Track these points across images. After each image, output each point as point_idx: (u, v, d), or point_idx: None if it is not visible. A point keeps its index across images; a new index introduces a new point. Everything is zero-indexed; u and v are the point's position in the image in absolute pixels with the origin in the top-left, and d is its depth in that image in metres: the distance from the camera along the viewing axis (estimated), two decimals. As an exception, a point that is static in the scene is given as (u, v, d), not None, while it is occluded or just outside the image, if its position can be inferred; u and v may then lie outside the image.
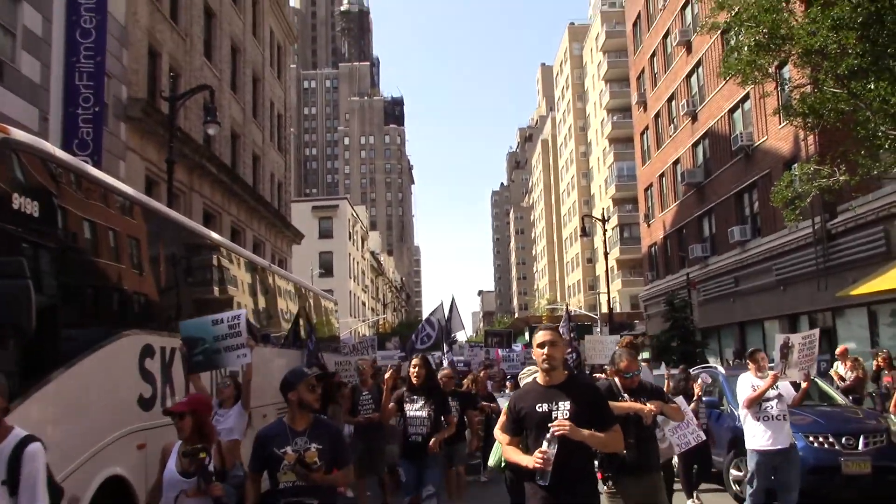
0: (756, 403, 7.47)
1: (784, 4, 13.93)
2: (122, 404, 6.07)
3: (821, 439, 8.90)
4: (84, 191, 5.80)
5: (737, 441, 9.44)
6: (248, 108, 30.31)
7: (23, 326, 4.25)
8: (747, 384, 7.66)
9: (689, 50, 33.79)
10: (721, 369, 12.59)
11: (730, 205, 29.18)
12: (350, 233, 68.95)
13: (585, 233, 42.44)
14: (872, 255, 19.33)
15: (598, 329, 41.26)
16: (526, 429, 4.17)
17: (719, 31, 19.96)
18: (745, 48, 14.53)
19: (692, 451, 7.83)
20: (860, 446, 8.88)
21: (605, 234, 39.44)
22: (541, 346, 4.10)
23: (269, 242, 31.53)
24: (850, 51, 12.55)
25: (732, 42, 16.12)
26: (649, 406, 5.23)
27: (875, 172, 14.09)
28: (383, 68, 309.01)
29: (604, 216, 42.94)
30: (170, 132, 16.32)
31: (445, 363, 13.29)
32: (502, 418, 4.93)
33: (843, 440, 8.93)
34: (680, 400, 6.88)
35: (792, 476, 7.45)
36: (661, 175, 38.63)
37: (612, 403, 4.76)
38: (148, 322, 6.80)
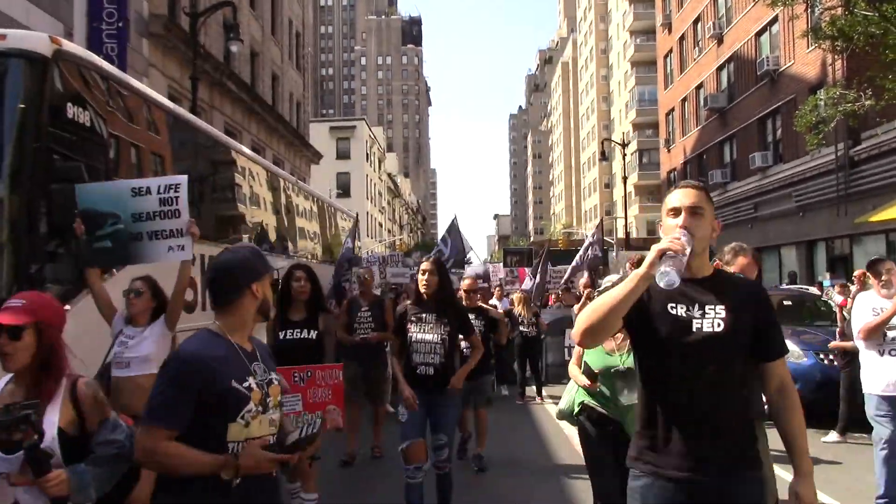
0: (879, 332, 5.59)
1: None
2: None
3: (831, 356, 9.22)
4: (130, 101, 6.02)
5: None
6: (267, 25, 29.99)
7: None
8: (867, 306, 5.72)
9: (717, -31, 32.83)
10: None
11: (752, 130, 28.91)
12: (367, 154, 68.80)
13: (604, 157, 42.14)
14: (895, 183, 19.26)
15: (615, 254, 41.49)
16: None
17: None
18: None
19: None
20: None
21: (624, 159, 39.20)
22: (675, 213, 2.54)
23: (289, 162, 31.68)
24: (883, -29, 12.30)
25: (763, -39, 15.75)
26: None
27: (902, 97, 13.98)
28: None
29: (623, 141, 42.54)
30: (193, 49, 16.33)
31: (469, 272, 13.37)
32: (578, 351, 4.50)
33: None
34: None
35: None
36: (684, 100, 38.11)
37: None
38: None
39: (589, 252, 13.84)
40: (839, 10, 14.28)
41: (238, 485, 2.34)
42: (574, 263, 14.47)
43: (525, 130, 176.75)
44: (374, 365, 7.78)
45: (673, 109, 40.20)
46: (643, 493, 2.47)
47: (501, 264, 22.95)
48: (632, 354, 2.91)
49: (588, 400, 4.38)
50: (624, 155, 39.25)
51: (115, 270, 5.20)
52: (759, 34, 28.51)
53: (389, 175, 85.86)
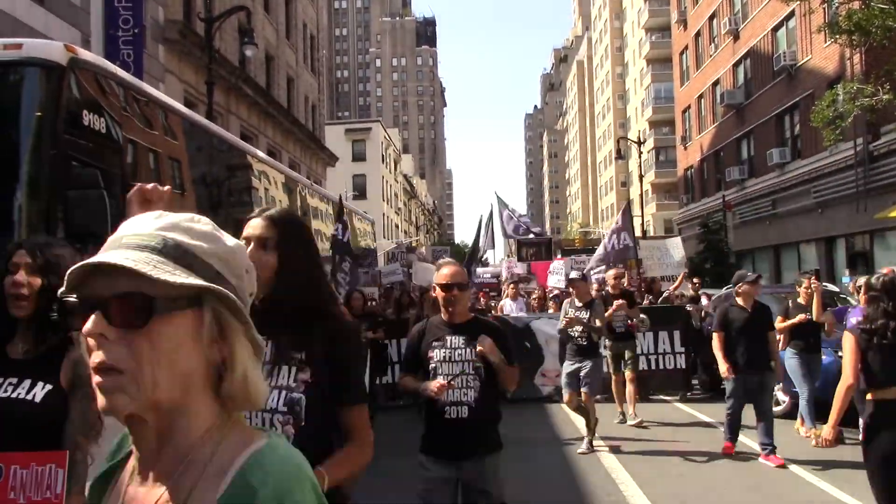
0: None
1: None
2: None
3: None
4: (145, 108, 6.08)
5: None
6: (282, 29, 30.16)
7: (99, 233, 4.60)
8: None
9: (733, -36, 32.60)
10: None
11: (770, 126, 28.68)
12: (383, 155, 68.95)
13: (621, 155, 42.02)
14: (914, 178, 19.06)
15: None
16: None
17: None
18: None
19: None
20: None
21: (640, 157, 39.03)
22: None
23: (305, 164, 31.84)
24: (901, -36, 12.17)
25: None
26: None
27: (921, 92, 13.83)
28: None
29: (639, 139, 42.37)
30: (208, 54, 16.45)
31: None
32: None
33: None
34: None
35: None
36: (700, 96, 37.87)
37: None
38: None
39: (615, 240, 12.55)
40: (856, 4, 14.14)
41: None
42: (598, 253, 13.04)
43: (541, 130, 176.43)
44: None
45: (689, 106, 39.95)
46: None
47: (515, 258, 19.95)
48: None
49: None
50: (640, 153, 39.09)
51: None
52: (775, 29, 28.28)
53: (405, 176, 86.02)
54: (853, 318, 6.16)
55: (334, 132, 56.95)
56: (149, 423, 0.96)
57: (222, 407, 1.02)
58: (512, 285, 13.43)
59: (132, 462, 1.03)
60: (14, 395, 2.36)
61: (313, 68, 36.53)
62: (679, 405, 11.12)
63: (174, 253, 0.96)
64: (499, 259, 17.97)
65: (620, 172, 79.19)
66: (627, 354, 9.86)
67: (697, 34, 38.34)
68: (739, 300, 7.64)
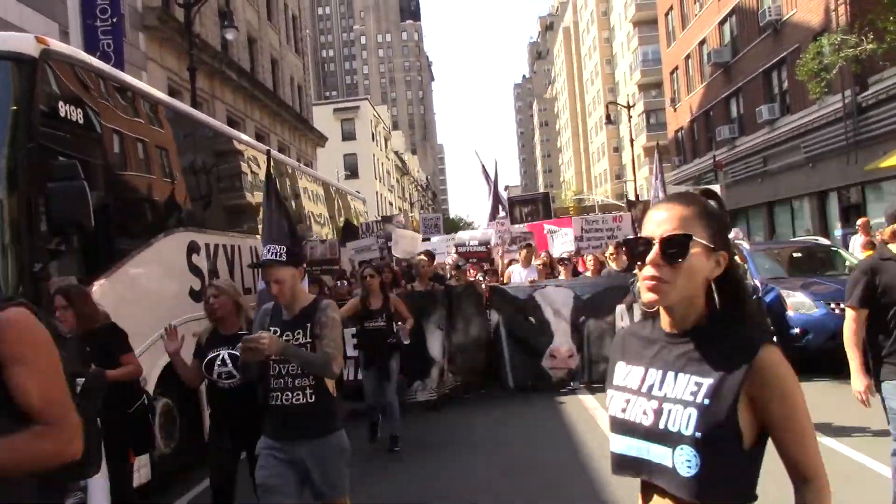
0: None
1: None
2: (177, 296, 6.53)
3: (843, 306, 9.17)
4: (122, 96, 6.04)
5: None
6: (263, 10, 29.86)
7: (83, 224, 4.61)
8: None
9: (714, -80, 32.24)
10: (746, 245, 12.80)
11: (758, 83, 28.56)
12: (373, 133, 68.64)
13: (611, 121, 41.77)
14: (903, 127, 19.02)
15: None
16: None
17: None
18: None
19: None
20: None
21: (630, 122, 38.89)
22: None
23: (294, 146, 31.68)
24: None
25: None
26: None
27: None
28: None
29: (629, 103, 42.22)
30: (188, 39, 16.31)
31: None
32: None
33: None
34: None
35: None
36: (687, 57, 37.65)
37: None
38: (192, 221, 7.17)
39: (655, 184, 11.49)
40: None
41: None
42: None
43: (530, 99, 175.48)
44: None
45: (677, 68, 39.74)
46: None
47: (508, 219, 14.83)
48: None
49: None
50: (630, 117, 38.96)
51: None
52: (759, -16, 28.06)
53: (396, 153, 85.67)
54: None
55: (322, 112, 56.61)
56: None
57: None
58: (525, 249, 10.94)
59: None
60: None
61: (297, 49, 36.21)
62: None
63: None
64: (485, 223, 13.41)
65: (612, 138, 78.95)
66: None
67: (682, -6, 38.04)
68: None
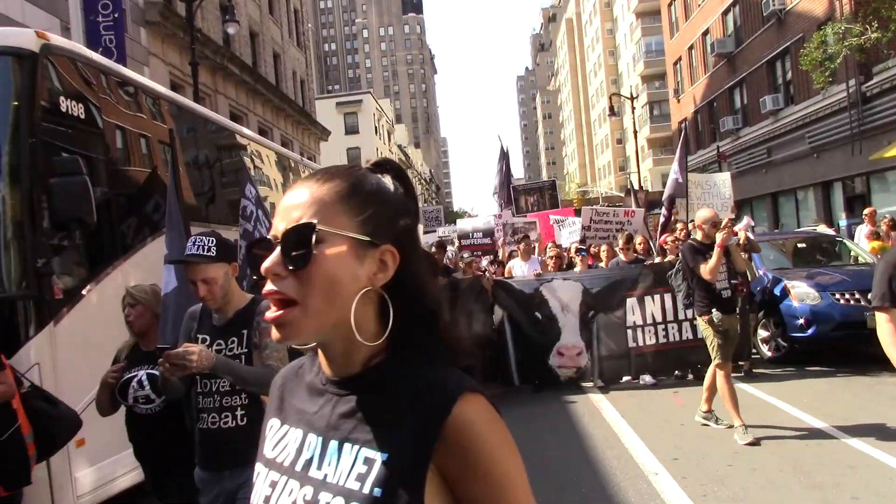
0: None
1: None
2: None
3: (847, 296, 9.16)
4: (123, 91, 6.04)
5: (762, 303, 9.86)
6: (264, 4, 29.81)
7: (85, 219, 4.61)
8: None
9: None
10: (751, 235, 12.76)
11: (762, 74, 28.45)
12: (376, 127, 68.61)
13: (614, 112, 41.57)
14: (908, 116, 18.93)
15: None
16: None
17: None
18: None
19: None
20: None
21: (634, 113, 38.76)
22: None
23: (297, 141, 31.68)
24: None
25: None
26: None
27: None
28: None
29: (632, 94, 42.03)
30: (190, 34, 16.30)
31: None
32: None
33: (869, 296, 9.15)
34: None
35: None
36: (691, 47, 37.50)
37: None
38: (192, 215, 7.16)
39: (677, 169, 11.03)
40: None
41: None
42: (668, 191, 11.19)
43: (533, 91, 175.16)
44: None
45: (680, 58, 39.59)
46: None
47: (514, 208, 15.02)
48: None
49: None
50: (633, 108, 38.82)
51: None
52: (763, -26, 27.90)
53: (400, 147, 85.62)
54: None
55: (325, 106, 56.60)
56: None
57: None
58: (522, 242, 10.70)
59: None
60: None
61: (299, 43, 36.16)
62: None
63: None
64: (490, 214, 12.81)
65: (615, 130, 78.74)
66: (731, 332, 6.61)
67: (685, -16, 37.87)
68: None
